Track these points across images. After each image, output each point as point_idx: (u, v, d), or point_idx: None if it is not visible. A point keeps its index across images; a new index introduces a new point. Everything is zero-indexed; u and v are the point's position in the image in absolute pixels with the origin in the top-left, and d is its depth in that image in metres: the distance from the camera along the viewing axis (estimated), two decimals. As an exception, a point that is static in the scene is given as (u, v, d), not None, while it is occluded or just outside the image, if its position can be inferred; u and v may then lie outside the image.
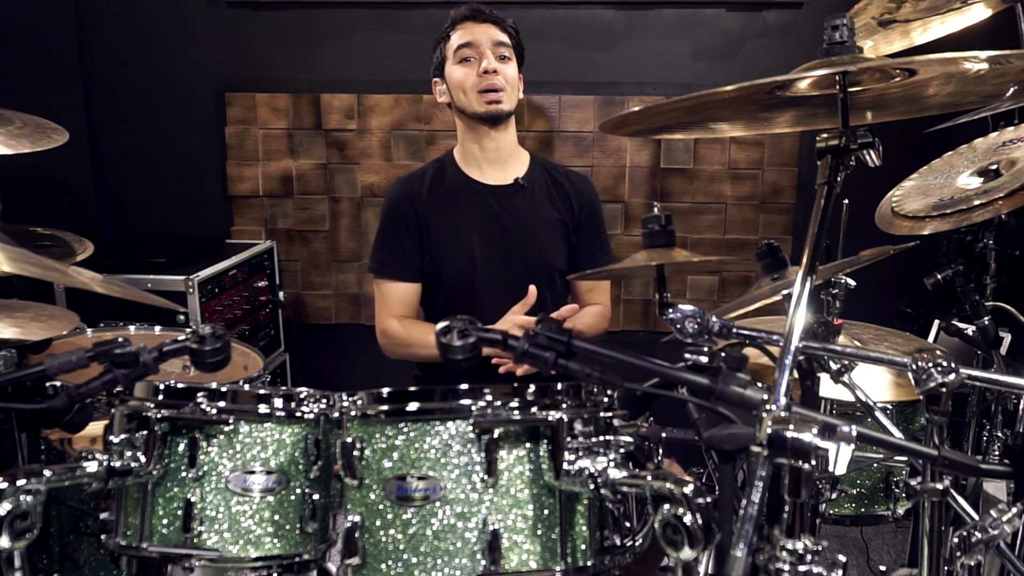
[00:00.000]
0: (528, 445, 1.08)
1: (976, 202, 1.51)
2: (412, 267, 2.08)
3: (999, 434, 1.86)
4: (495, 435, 1.06)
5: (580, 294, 2.18)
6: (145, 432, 1.14)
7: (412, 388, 1.11)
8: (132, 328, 2.08)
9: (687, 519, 0.89)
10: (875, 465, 1.78)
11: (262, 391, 1.19)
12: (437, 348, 1.02)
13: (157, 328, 2.10)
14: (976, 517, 1.25)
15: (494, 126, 2.03)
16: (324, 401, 1.21)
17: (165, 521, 1.14)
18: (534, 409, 1.08)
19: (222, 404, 1.16)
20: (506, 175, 2.09)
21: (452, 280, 2.08)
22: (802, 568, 0.83)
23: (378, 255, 2.11)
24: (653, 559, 1.26)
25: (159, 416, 1.14)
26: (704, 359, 1.04)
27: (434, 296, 2.12)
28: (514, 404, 1.08)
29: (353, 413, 1.14)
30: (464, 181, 2.09)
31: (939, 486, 1.13)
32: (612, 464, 1.04)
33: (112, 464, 1.11)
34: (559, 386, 1.11)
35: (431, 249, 2.08)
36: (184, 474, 1.14)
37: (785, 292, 1.41)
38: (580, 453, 1.06)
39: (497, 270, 2.07)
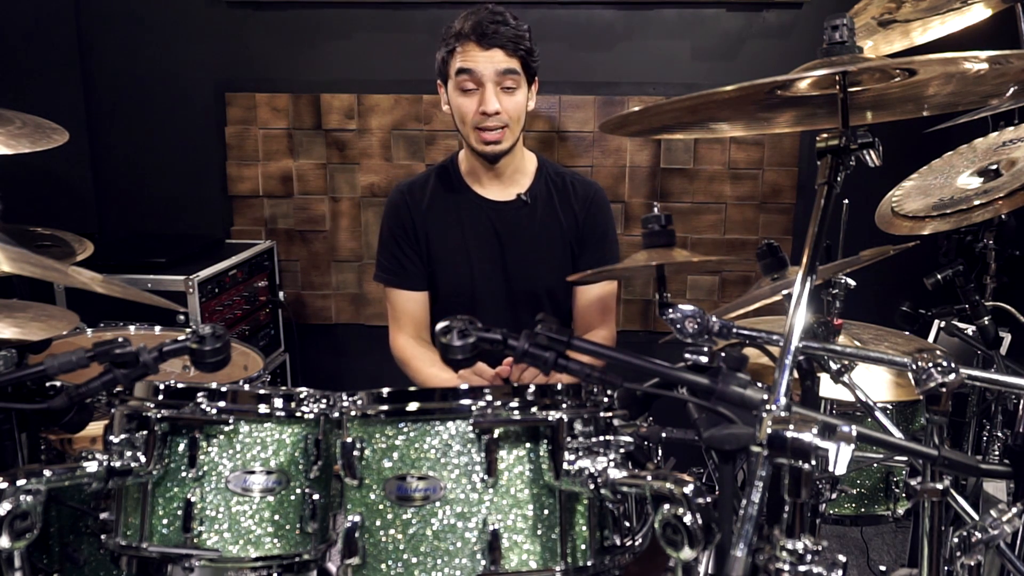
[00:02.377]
0: (528, 445, 1.08)
1: (976, 202, 1.51)
2: (418, 275, 2.06)
3: (999, 434, 1.86)
4: (495, 435, 1.06)
5: (580, 316, 2.10)
6: (145, 432, 1.14)
7: (412, 388, 1.12)
8: (132, 328, 2.08)
9: (687, 519, 0.89)
10: (875, 465, 1.78)
11: (262, 391, 1.18)
12: (437, 350, 1.03)
13: (157, 328, 2.10)
14: (976, 517, 1.25)
15: (493, 164, 1.97)
16: (324, 401, 1.21)
17: (165, 521, 1.14)
18: (534, 409, 1.08)
19: (222, 404, 1.15)
20: (509, 191, 2.04)
21: (450, 292, 2.07)
22: (802, 568, 0.83)
23: (384, 263, 2.08)
24: (655, 560, 1.26)
25: (159, 416, 1.14)
26: (704, 359, 1.04)
27: (433, 306, 2.10)
28: (514, 404, 1.08)
29: (353, 413, 1.14)
30: (466, 195, 2.05)
31: (939, 486, 1.13)
32: (612, 464, 1.04)
33: (112, 464, 1.11)
34: (559, 386, 1.11)
35: (431, 260, 2.06)
36: (184, 474, 1.14)
37: (785, 292, 1.41)
38: (580, 453, 1.06)
39: (496, 285, 2.05)
